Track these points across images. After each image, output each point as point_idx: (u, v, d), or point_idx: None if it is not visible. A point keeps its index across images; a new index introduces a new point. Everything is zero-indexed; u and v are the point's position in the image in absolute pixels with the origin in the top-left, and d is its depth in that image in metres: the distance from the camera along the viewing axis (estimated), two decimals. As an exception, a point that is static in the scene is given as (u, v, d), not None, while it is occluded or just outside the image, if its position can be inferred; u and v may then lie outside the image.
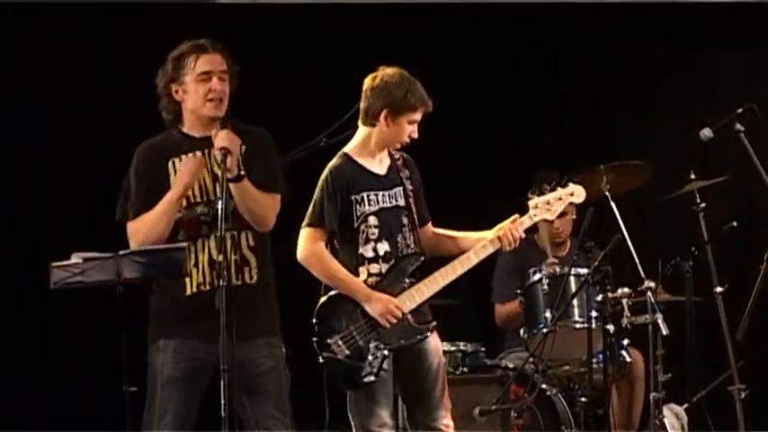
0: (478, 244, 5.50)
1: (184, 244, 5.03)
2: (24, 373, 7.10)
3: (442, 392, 5.49)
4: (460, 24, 7.66)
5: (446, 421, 5.49)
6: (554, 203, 5.63)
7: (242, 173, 4.91)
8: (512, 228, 5.51)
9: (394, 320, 5.25)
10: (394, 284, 5.40)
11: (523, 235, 5.63)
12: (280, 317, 5.20)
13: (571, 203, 5.74)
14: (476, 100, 7.71)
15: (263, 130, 5.20)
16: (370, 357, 5.42)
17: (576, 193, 5.66)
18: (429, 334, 5.41)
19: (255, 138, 5.13)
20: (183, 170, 5.12)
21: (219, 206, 4.84)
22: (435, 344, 5.43)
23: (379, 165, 5.45)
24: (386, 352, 5.40)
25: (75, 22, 7.25)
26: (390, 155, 5.49)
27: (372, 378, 5.43)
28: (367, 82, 5.40)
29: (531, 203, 5.61)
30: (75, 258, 5.00)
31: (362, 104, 5.42)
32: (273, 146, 5.23)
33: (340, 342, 5.37)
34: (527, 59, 7.95)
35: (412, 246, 5.38)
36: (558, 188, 5.70)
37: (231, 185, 4.90)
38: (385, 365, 5.40)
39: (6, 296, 7.06)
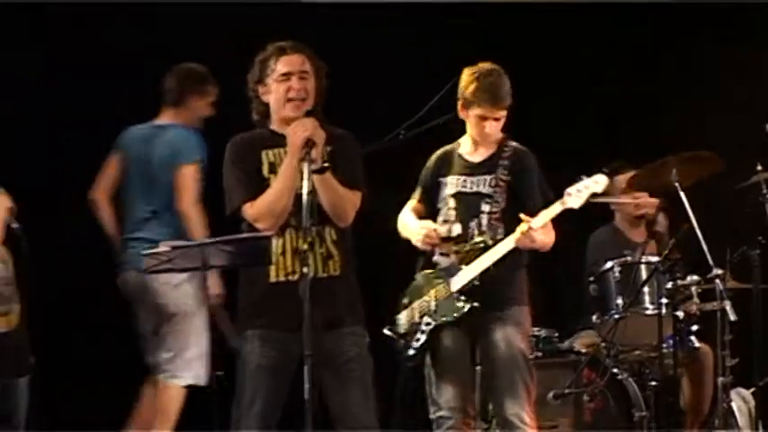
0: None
1: (270, 233, 5.02)
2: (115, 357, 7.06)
3: (510, 382, 5.52)
4: (519, 23, 7.72)
5: (516, 411, 5.51)
6: (582, 191, 5.64)
7: (325, 164, 4.90)
8: (535, 223, 5.49)
9: (430, 240, 5.41)
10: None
11: (536, 239, 5.52)
12: (363, 307, 5.22)
13: (594, 193, 5.68)
14: (544, 97, 7.75)
15: (348, 132, 5.24)
16: (417, 335, 5.55)
17: (599, 181, 5.63)
18: (466, 311, 5.40)
19: (341, 140, 5.15)
20: (292, 133, 5.04)
21: (304, 197, 4.82)
22: (505, 335, 5.49)
23: (478, 152, 5.57)
24: (425, 328, 5.52)
25: (163, 22, 7.32)
26: (501, 144, 5.57)
27: (412, 354, 5.56)
28: None
29: (567, 191, 5.65)
30: (164, 247, 5.08)
31: None
32: (357, 147, 5.26)
33: (402, 318, 5.55)
34: (591, 58, 7.97)
35: (487, 233, 5.43)
36: (585, 177, 5.69)
37: (314, 177, 4.89)
38: (447, 342, 5.47)
39: (93, 281, 7.11)
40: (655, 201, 7.05)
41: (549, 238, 5.57)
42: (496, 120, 5.55)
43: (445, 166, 5.60)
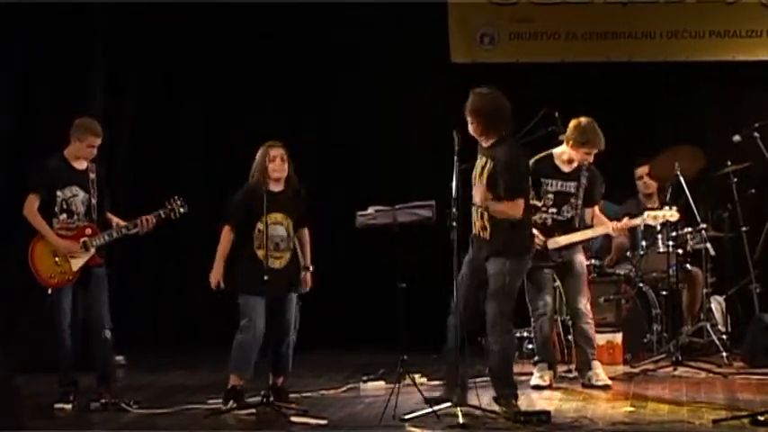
0: (602, 227, 7.24)
1: (432, 202, 6.46)
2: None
3: (581, 287, 7.17)
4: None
5: (584, 303, 7.18)
6: (659, 218, 7.22)
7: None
8: (622, 225, 7.20)
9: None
10: (553, 234, 7.19)
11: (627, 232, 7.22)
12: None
13: (668, 221, 7.24)
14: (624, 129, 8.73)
15: (505, 149, 6.28)
16: None
17: (674, 216, 7.21)
18: (552, 263, 7.11)
19: (499, 156, 6.27)
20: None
21: (453, 188, 6.10)
22: (580, 261, 7.25)
23: (568, 165, 7.21)
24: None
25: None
26: (582, 164, 7.13)
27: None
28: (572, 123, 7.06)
29: (646, 213, 7.26)
30: (371, 209, 6.66)
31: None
32: (512, 157, 6.25)
33: None
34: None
35: (570, 214, 7.21)
36: (666, 208, 7.21)
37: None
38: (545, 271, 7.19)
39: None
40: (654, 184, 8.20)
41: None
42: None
43: (541, 171, 7.06)
